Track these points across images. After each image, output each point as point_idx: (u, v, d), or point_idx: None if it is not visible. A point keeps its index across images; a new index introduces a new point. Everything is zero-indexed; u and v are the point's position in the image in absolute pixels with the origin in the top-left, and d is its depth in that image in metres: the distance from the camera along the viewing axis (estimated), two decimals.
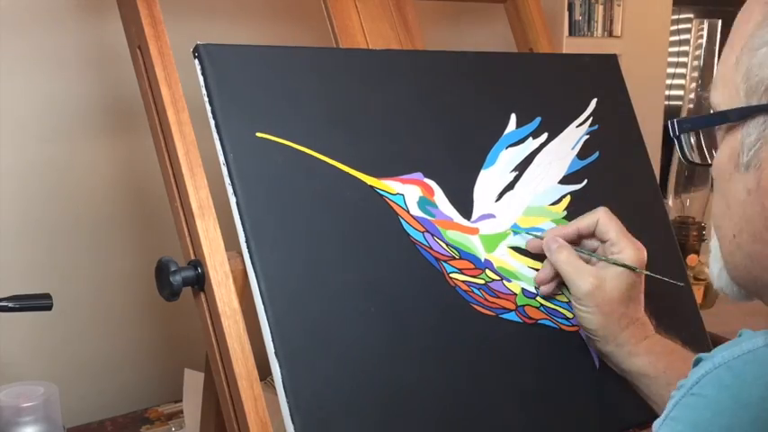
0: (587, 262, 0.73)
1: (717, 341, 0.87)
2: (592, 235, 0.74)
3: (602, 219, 0.73)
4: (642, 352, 0.71)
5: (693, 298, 0.90)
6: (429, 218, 0.72)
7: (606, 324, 0.70)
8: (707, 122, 0.50)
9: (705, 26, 1.16)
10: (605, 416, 0.77)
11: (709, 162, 0.49)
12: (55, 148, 0.98)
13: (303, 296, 0.64)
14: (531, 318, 0.75)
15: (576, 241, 0.74)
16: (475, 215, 0.76)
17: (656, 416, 0.46)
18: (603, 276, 0.70)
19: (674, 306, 0.86)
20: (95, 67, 1.00)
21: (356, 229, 0.69)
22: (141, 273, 0.94)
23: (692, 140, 0.51)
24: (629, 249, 0.71)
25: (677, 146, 0.51)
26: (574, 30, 1.59)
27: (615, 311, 0.70)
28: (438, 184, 0.74)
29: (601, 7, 1.68)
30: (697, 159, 0.51)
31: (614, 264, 0.71)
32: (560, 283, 0.75)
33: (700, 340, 0.86)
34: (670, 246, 0.89)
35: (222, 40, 0.68)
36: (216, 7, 1.07)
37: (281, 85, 0.69)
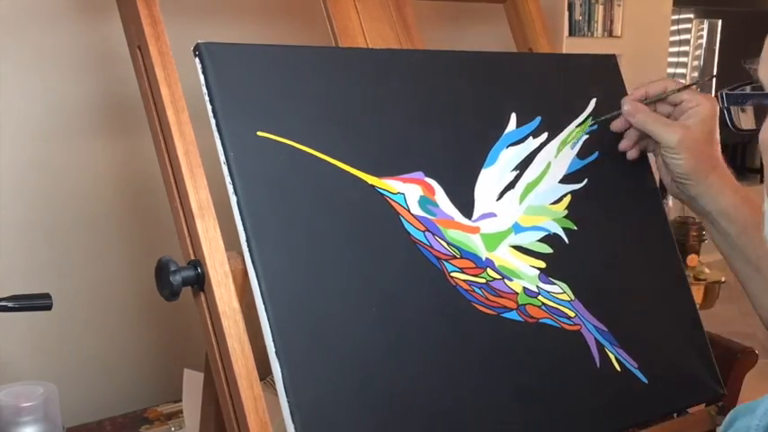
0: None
1: (715, 341, 0.87)
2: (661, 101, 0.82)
3: (670, 85, 0.82)
4: (729, 193, 0.79)
5: (692, 298, 0.90)
6: (430, 217, 0.72)
7: (699, 166, 0.79)
8: (754, 97, 0.54)
9: (705, 26, 1.16)
10: (605, 415, 0.77)
11: (757, 128, 0.52)
12: (54, 148, 0.98)
13: (304, 295, 0.64)
14: (532, 317, 0.75)
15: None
16: (476, 214, 0.76)
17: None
18: (688, 125, 0.79)
19: (673, 306, 0.86)
20: (95, 67, 1.00)
21: (357, 228, 0.68)
22: (141, 273, 0.94)
23: (741, 110, 0.54)
24: (706, 101, 0.80)
25: (726, 116, 0.55)
26: (574, 30, 1.59)
27: (704, 152, 0.79)
28: (439, 183, 0.74)
29: (601, 7, 1.68)
30: (747, 126, 0.55)
31: (686, 87, 0.80)
32: (644, 147, 0.84)
33: (698, 340, 0.86)
34: (669, 246, 0.89)
35: (222, 40, 0.68)
36: (216, 7, 1.07)
37: (281, 84, 0.69)
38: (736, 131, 0.62)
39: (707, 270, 1.23)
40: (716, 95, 0.64)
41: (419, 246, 0.71)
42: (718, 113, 0.80)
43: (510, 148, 0.80)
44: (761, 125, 0.52)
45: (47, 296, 0.74)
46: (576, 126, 0.86)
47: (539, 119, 0.83)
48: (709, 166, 0.79)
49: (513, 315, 0.74)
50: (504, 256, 0.76)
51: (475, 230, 0.75)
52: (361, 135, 0.72)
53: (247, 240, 0.63)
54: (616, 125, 0.84)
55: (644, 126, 0.80)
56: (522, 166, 0.80)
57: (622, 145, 0.84)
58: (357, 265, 0.67)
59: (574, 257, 0.80)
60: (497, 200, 0.78)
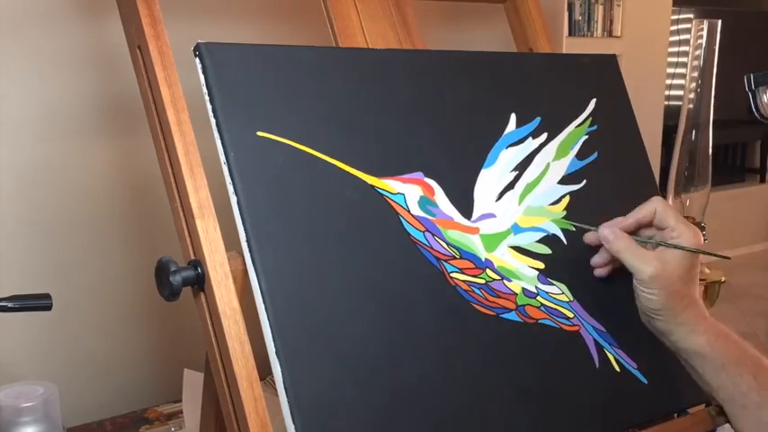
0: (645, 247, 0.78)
1: None
2: (649, 224, 0.79)
3: (659, 208, 0.78)
4: (701, 331, 0.75)
5: None
6: (429, 217, 0.73)
7: (669, 304, 0.75)
8: None
9: (705, 26, 1.16)
10: (605, 416, 0.77)
11: None
12: (54, 148, 0.98)
13: (304, 295, 0.64)
14: (531, 317, 0.75)
15: (633, 232, 0.79)
16: (475, 215, 0.76)
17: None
18: (665, 259, 0.75)
19: None
20: (94, 67, 1.00)
21: (357, 228, 0.69)
22: (141, 273, 0.94)
23: (765, 98, 0.53)
24: (688, 233, 0.76)
25: (751, 100, 0.54)
26: (574, 30, 1.59)
27: (678, 292, 0.75)
28: (438, 183, 0.74)
29: (601, 7, 1.68)
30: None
31: (674, 247, 0.75)
32: (617, 268, 0.80)
33: None
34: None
35: (222, 40, 0.68)
36: (216, 7, 1.07)
37: (282, 84, 0.69)
38: (760, 118, 0.61)
39: (707, 270, 1.23)
40: (745, 79, 0.61)
41: (419, 246, 0.71)
42: (701, 245, 0.76)
43: (510, 148, 0.80)
44: None
45: (47, 296, 0.74)
46: (576, 126, 0.86)
47: (538, 119, 0.83)
48: (682, 304, 0.75)
49: (512, 316, 0.74)
50: (503, 257, 0.76)
51: (474, 231, 0.75)
52: (360, 135, 0.72)
53: (247, 240, 0.63)
54: (590, 239, 0.80)
55: (618, 254, 0.76)
56: (522, 166, 0.80)
57: (595, 260, 0.80)
58: (357, 266, 0.68)
59: (572, 258, 0.80)
60: (497, 200, 0.78)
